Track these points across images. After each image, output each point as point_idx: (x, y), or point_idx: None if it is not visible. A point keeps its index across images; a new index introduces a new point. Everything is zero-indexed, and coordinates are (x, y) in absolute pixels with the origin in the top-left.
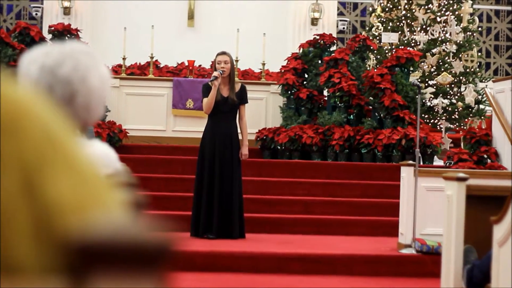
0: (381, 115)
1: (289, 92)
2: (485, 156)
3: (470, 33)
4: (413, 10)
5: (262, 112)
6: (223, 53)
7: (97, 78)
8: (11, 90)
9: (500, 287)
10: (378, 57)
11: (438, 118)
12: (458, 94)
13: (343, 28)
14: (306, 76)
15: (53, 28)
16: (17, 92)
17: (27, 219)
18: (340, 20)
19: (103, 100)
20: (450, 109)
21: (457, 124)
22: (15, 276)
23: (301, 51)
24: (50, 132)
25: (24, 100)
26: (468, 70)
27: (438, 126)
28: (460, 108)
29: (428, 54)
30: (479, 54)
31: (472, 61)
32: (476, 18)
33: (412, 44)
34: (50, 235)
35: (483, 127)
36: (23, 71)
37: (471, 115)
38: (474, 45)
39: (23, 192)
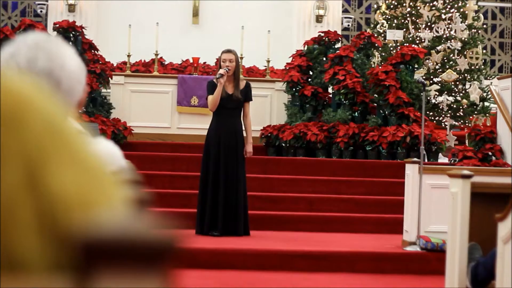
0: (386, 112)
1: (294, 89)
2: (490, 153)
3: (475, 30)
4: (418, 7)
5: (266, 109)
6: (229, 51)
7: (72, 60)
8: (13, 82)
9: (505, 285)
10: (383, 54)
11: (443, 116)
12: (463, 92)
13: (348, 25)
14: (310, 73)
15: (58, 25)
16: (19, 84)
17: (30, 214)
18: (345, 17)
19: (82, 79)
20: (455, 106)
21: (462, 121)
22: (19, 272)
23: (305, 48)
24: (54, 124)
25: (26, 93)
26: (473, 67)
27: (443, 124)
28: (465, 106)
29: (433, 51)
30: (484, 51)
31: (477, 58)
32: (481, 15)
33: (417, 41)
34: (54, 230)
35: (488, 125)
36: None
37: (476, 112)
38: (479, 42)
39: (26, 186)
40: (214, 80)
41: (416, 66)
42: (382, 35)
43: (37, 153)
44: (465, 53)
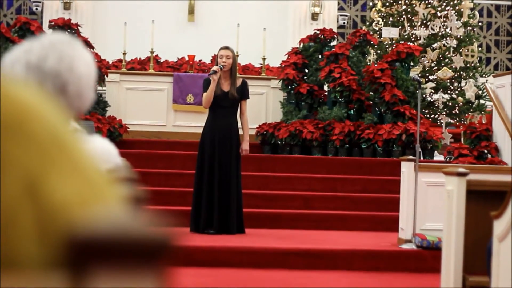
0: (382, 110)
1: (290, 87)
2: (486, 151)
3: (471, 28)
4: (414, 5)
5: (262, 107)
6: (226, 47)
7: (83, 64)
8: (17, 91)
9: (501, 284)
10: (379, 52)
11: (439, 113)
12: (459, 89)
13: (344, 23)
14: (306, 71)
15: (53, 23)
16: (23, 93)
17: (30, 220)
18: (341, 15)
19: (92, 85)
20: (450, 104)
21: (457, 119)
22: (18, 272)
23: (301, 46)
24: (56, 134)
25: (30, 101)
26: (468, 65)
27: (438, 121)
28: (461, 103)
29: (428, 49)
30: (480, 49)
31: (472, 56)
32: (477, 13)
33: (413, 39)
34: (53, 233)
35: (484, 122)
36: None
37: (471, 110)
38: (474, 40)
39: (27, 195)
40: (209, 77)
41: (411, 64)
42: (378, 32)
43: (40, 163)
44: (460, 50)
